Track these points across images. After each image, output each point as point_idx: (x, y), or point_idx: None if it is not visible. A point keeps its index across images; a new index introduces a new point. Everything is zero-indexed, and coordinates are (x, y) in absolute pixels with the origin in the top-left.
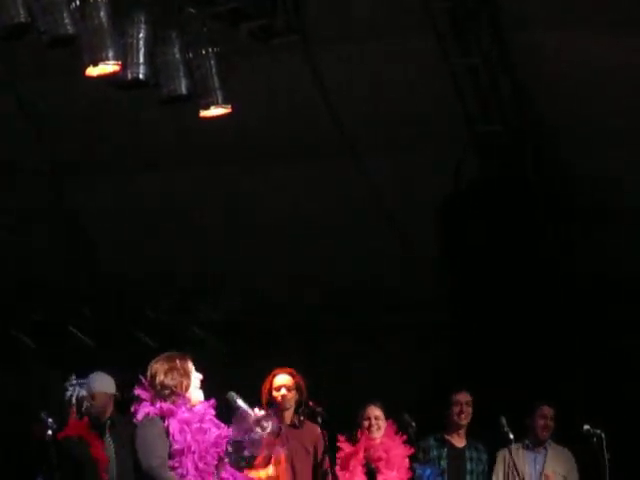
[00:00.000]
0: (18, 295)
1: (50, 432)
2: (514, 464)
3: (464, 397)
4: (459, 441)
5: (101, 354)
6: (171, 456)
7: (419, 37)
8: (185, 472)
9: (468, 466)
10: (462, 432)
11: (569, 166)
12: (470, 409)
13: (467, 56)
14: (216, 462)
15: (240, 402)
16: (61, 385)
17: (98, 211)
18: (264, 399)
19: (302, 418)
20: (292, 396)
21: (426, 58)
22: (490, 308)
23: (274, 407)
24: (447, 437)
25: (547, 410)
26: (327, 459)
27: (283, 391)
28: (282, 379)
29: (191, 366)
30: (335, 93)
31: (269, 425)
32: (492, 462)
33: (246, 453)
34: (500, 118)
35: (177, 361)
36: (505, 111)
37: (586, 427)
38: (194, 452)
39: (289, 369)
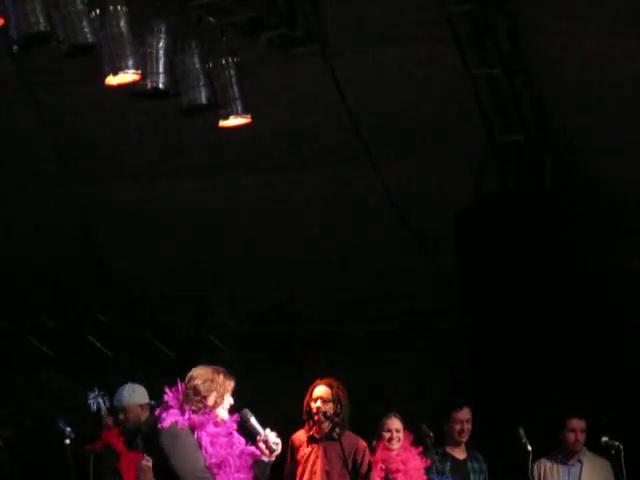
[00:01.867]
0: (33, 303)
1: (68, 441)
2: (545, 478)
3: (464, 415)
4: (460, 453)
5: (118, 363)
6: (209, 469)
7: (439, 45)
8: None
9: (472, 477)
10: (462, 444)
11: (590, 177)
12: (470, 426)
13: (486, 64)
14: (251, 476)
15: (253, 421)
16: (79, 394)
17: (114, 220)
18: (304, 411)
19: (338, 430)
20: (329, 408)
21: (446, 66)
22: (508, 318)
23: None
24: (448, 450)
25: (577, 423)
26: (370, 473)
27: (319, 403)
28: (320, 390)
29: (229, 387)
30: (355, 101)
31: (278, 448)
32: (512, 472)
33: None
34: (520, 128)
35: (220, 376)
36: (525, 121)
37: (604, 439)
38: (231, 465)
39: (329, 379)
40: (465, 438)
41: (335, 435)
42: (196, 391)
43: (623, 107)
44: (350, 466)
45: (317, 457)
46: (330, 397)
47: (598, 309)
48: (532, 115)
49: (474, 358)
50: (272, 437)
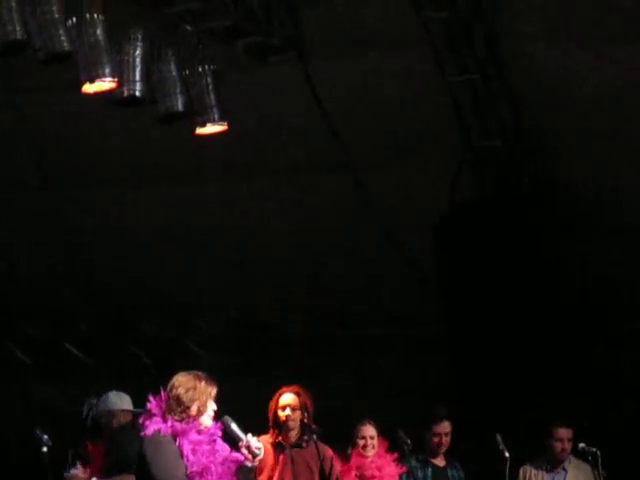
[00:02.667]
0: (16, 312)
1: (45, 449)
2: None
3: (444, 428)
4: (440, 461)
5: (97, 370)
6: (190, 478)
7: (416, 51)
8: None
9: None
10: (442, 451)
11: (567, 182)
12: (448, 438)
13: (463, 70)
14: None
15: (234, 427)
16: (58, 401)
17: (96, 227)
18: (270, 418)
19: (306, 437)
20: (297, 416)
21: (423, 73)
22: (487, 324)
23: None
24: (429, 457)
25: (564, 432)
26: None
27: (287, 411)
28: (287, 398)
29: (212, 393)
30: (332, 108)
31: (260, 453)
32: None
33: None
34: (498, 133)
35: (202, 383)
36: (503, 126)
37: (581, 445)
38: (212, 473)
39: (296, 387)
40: (443, 450)
41: (304, 443)
42: (179, 401)
43: (601, 110)
44: (317, 472)
45: (285, 464)
46: (297, 405)
47: (579, 311)
48: (510, 120)
49: (455, 364)
50: (254, 442)
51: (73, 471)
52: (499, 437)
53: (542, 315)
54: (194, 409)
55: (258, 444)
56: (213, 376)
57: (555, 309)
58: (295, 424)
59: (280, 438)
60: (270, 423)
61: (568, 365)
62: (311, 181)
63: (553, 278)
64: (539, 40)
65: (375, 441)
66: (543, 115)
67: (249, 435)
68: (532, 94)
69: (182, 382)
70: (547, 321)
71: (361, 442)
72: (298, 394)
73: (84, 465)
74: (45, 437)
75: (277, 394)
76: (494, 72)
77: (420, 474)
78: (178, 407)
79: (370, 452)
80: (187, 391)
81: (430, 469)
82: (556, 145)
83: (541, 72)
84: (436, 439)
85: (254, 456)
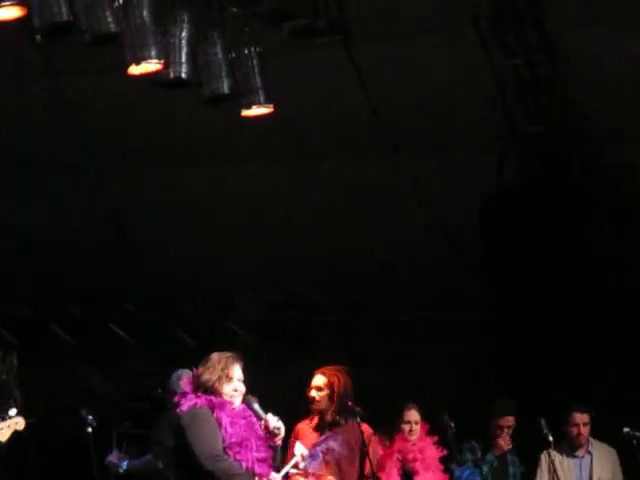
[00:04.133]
0: (62, 293)
1: (90, 429)
2: (555, 471)
3: (508, 422)
4: (502, 445)
5: (140, 351)
6: (229, 448)
7: (463, 36)
8: (249, 463)
9: (511, 469)
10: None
11: (612, 168)
12: (511, 430)
13: (511, 56)
14: (272, 455)
15: (256, 406)
16: (101, 382)
17: (142, 209)
18: (308, 400)
19: (339, 417)
20: (323, 396)
21: (470, 57)
22: (531, 308)
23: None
24: (488, 443)
25: (578, 417)
26: (371, 460)
27: (313, 392)
28: (316, 380)
29: (231, 373)
30: (378, 92)
31: (279, 433)
32: (533, 463)
33: (301, 466)
34: (543, 119)
35: (222, 362)
36: (548, 112)
37: (626, 430)
38: (251, 445)
39: (327, 368)
40: (505, 442)
41: (343, 422)
42: (200, 382)
43: None
44: (357, 450)
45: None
46: (324, 385)
47: (623, 299)
48: (556, 105)
49: (500, 349)
50: (273, 421)
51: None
52: (543, 421)
53: (586, 300)
54: (215, 387)
55: (277, 424)
56: (241, 356)
57: (599, 294)
58: (321, 405)
59: (317, 421)
60: (309, 407)
61: (612, 351)
62: (356, 165)
63: (599, 263)
64: (587, 25)
65: (419, 425)
66: (590, 101)
67: (269, 415)
68: (579, 80)
69: (205, 362)
70: (591, 306)
71: (406, 427)
72: (326, 374)
73: None
74: (90, 417)
75: (312, 376)
76: (541, 57)
77: (479, 455)
78: (202, 385)
79: (414, 436)
80: (207, 370)
81: (490, 453)
82: (603, 131)
83: (589, 58)
84: (498, 431)
85: (273, 435)
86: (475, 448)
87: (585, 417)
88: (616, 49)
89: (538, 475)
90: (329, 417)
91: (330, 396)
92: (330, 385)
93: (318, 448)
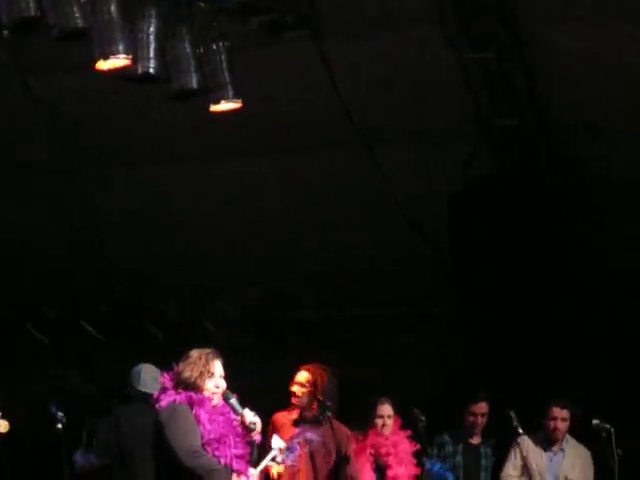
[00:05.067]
0: (34, 293)
1: (60, 425)
2: (526, 459)
3: (480, 409)
4: (475, 438)
5: (112, 347)
6: (207, 445)
7: (431, 30)
8: (227, 460)
9: (483, 462)
10: (478, 431)
11: (582, 162)
12: (485, 419)
13: (480, 49)
14: (249, 451)
15: (233, 401)
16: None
17: (113, 208)
18: (289, 394)
19: (320, 415)
20: (304, 392)
21: (438, 50)
22: (502, 303)
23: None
24: (464, 435)
25: (557, 411)
26: (350, 462)
27: (295, 387)
28: (298, 376)
29: (213, 369)
30: (346, 86)
31: (255, 427)
32: (503, 454)
33: (278, 459)
34: (513, 112)
35: (203, 358)
36: (518, 105)
37: (595, 422)
38: (229, 442)
39: (309, 365)
40: (478, 430)
41: (319, 419)
42: (181, 379)
43: (620, 91)
44: (333, 450)
45: None
46: (306, 381)
47: (593, 288)
48: (525, 98)
49: (470, 341)
50: (249, 416)
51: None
52: (512, 413)
53: (556, 292)
54: (197, 383)
55: (254, 419)
56: (219, 353)
57: (569, 286)
58: (302, 401)
59: (297, 415)
60: (289, 400)
61: (585, 343)
62: (325, 159)
63: (570, 256)
64: (557, 18)
65: (392, 420)
66: (560, 93)
67: (246, 410)
68: (548, 72)
69: (187, 358)
70: (560, 298)
71: (379, 421)
72: (309, 370)
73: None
74: (60, 414)
75: (295, 371)
76: (509, 50)
77: (450, 449)
78: (183, 382)
79: (387, 431)
80: (189, 366)
81: (462, 445)
82: (572, 123)
83: (559, 50)
84: (471, 418)
85: (250, 431)
86: (445, 442)
87: (564, 412)
88: (586, 42)
89: (510, 460)
90: (309, 414)
91: (312, 393)
92: (313, 382)
93: (295, 440)
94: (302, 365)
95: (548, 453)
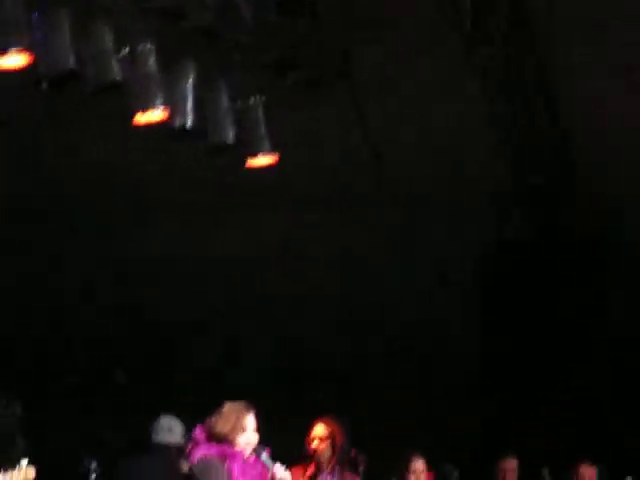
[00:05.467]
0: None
1: (94, 476)
2: None
3: (510, 464)
4: None
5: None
6: None
7: (465, 92)
8: None
9: None
10: None
11: (617, 221)
12: (515, 474)
13: (512, 105)
14: None
15: (264, 456)
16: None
17: (144, 259)
18: (305, 448)
19: (338, 468)
20: (325, 446)
21: (473, 112)
22: (533, 361)
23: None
24: None
25: (586, 470)
26: None
27: (316, 442)
28: (316, 430)
29: (245, 423)
30: (382, 143)
31: None
32: None
33: None
34: (544, 171)
35: (236, 413)
36: (549, 164)
37: (629, 478)
38: None
39: (327, 419)
40: None
41: (336, 473)
42: (215, 430)
43: None
44: None
45: None
46: (325, 435)
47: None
48: (556, 157)
49: (503, 402)
50: (280, 472)
51: None
52: (546, 471)
53: (589, 352)
54: (229, 438)
55: (284, 475)
56: (252, 406)
57: (602, 347)
58: (323, 455)
59: (312, 470)
60: (303, 454)
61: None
62: (359, 214)
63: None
64: (588, 76)
65: (424, 475)
66: (591, 151)
67: (276, 465)
68: (581, 131)
69: (220, 411)
70: (594, 357)
71: (412, 477)
72: (327, 424)
73: None
74: (94, 464)
75: (311, 426)
76: (541, 107)
77: None
78: (215, 435)
79: None
80: (221, 420)
81: None
82: (604, 182)
83: (590, 108)
84: (502, 474)
85: None
86: None
87: (593, 470)
88: (621, 99)
89: None
90: (329, 468)
91: (332, 446)
92: (332, 435)
93: None
94: (319, 418)
95: None
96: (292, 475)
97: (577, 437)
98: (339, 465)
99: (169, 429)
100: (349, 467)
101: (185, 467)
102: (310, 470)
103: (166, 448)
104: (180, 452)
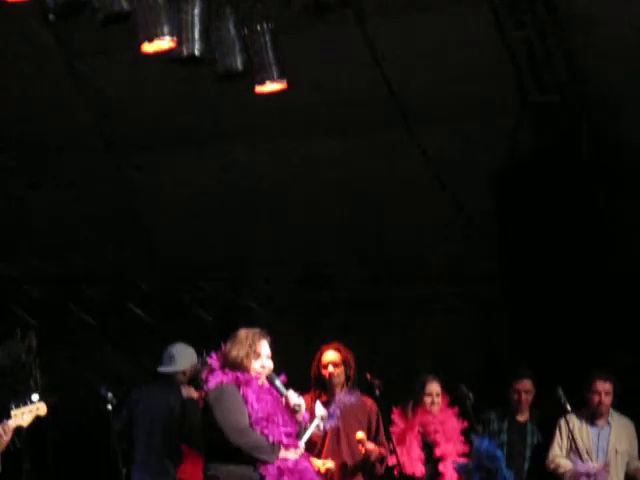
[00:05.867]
0: (79, 275)
1: (110, 407)
2: (573, 437)
3: (524, 386)
4: (521, 415)
5: (160, 329)
6: (256, 423)
7: (474, 8)
8: (276, 437)
9: (529, 439)
10: (524, 408)
11: (625, 139)
12: (530, 395)
13: (522, 27)
14: (295, 430)
15: (277, 383)
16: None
17: (155, 187)
18: (313, 376)
19: (353, 392)
20: (340, 372)
21: (481, 29)
22: (545, 279)
23: (323, 384)
24: (508, 411)
25: (601, 385)
26: (382, 432)
27: (330, 368)
28: (329, 356)
29: (259, 349)
30: (388, 65)
31: (300, 409)
32: (551, 431)
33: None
34: (555, 88)
35: (249, 339)
36: (559, 82)
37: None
38: (278, 420)
39: (336, 344)
40: (524, 407)
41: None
42: (228, 358)
43: None
44: (365, 426)
45: None
46: (340, 361)
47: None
48: (567, 76)
49: (515, 321)
50: (293, 398)
51: None
52: (560, 390)
53: (600, 270)
54: (244, 364)
55: (298, 401)
56: (266, 333)
57: (612, 264)
58: (339, 380)
59: (325, 398)
60: (312, 383)
61: (627, 321)
62: (369, 139)
63: (610, 232)
64: None
65: (440, 397)
66: (600, 69)
67: (290, 391)
68: (589, 48)
69: (234, 338)
70: (606, 277)
71: (428, 399)
72: (339, 350)
73: None
74: (110, 395)
75: (318, 352)
76: (551, 28)
77: (496, 426)
78: (230, 362)
79: (435, 409)
80: (235, 346)
81: (507, 423)
82: (614, 99)
83: (598, 28)
84: (516, 396)
85: (293, 412)
86: (491, 420)
87: (607, 386)
88: (628, 18)
89: (556, 439)
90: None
91: (346, 372)
92: (345, 361)
93: (334, 405)
94: (325, 345)
95: (595, 428)
96: (305, 401)
97: (590, 352)
98: (350, 390)
99: (170, 357)
100: (364, 391)
101: (193, 393)
102: (324, 396)
103: (167, 377)
104: (191, 378)
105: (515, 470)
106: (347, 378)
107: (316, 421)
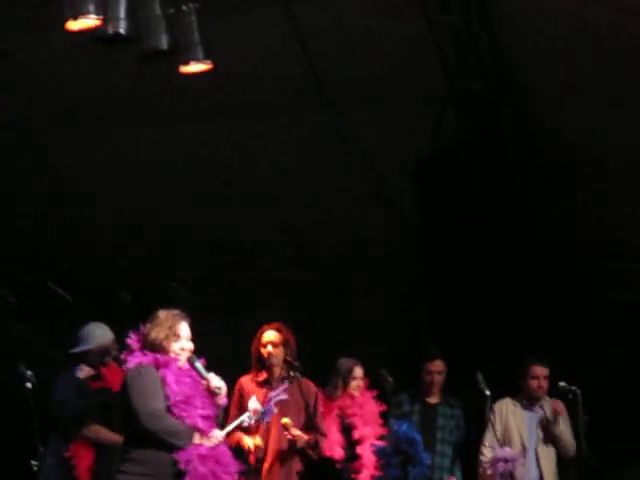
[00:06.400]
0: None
1: (29, 385)
2: (507, 423)
3: (436, 367)
4: (433, 398)
5: (78, 308)
6: (174, 406)
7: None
8: (192, 420)
9: (440, 421)
10: (436, 390)
11: (547, 124)
12: (442, 377)
13: (448, 11)
14: (214, 413)
15: (198, 365)
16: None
17: (79, 165)
18: (254, 356)
19: (292, 373)
20: (279, 352)
21: (406, 14)
22: (466, 265)
23: (263, 363)
24: (422, 395)
25: (539, 370)
26: (319, 415)
27: (269, 348)
28: (269, 335)
29: (181, 328)
30: (314, 47)
31: (220, 392)
32: (472, 416)
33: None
34: (480, 76)
35: (165, 318)
36: (484, 68)
37: (562, 384)
38: (197, 403)
39: (277, 324)
40: (435, 388)
41: (290, 379)
42: (148, 340)
43: (586, 56)
44: (303, 407)
45: None
46: (279, 341)
47: (559, 254)
48: (492, 63)
49: (435, 306)
50: (214, 381)
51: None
52: (479, 375)
53: (521, 257)
54: (163, 345)
55: (219, 384)
56: (186, 314)
57: (534, 250)
58: (278, 360)
59: (265, 376)
60: (253, 362)
61: (550, 308)
62: (292, 121)
63: (534, 220)
64: None
65: (362, 381)
66: (525, 57)
67: (211, 374)
68: (515, 36)
69: (153, 319)
70: (526, 263)
71: (354, 383)
72: (280, 330)
73: None
74: (29, 373)
75: (259, 332)
76: (477, 14)
77: (407, 408)
78: (149, 343)
79: (357, 392)
80: (155, 327)
81: (418, 405)
82: (538, 87)
83: (524, 16)
84: (428, 377)
85: (214, 395)
86: (403, 401)
87: (545, 370)
88: (555, 6)
89: (490, 428)
90: (281, 373)
91: (285, 352)
92: (285, 341)
93: (272, 402)
94: (267, 325)
95: (529, 413)
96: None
97: (516, 338)
98: (287, 372)
99: (79, 338)
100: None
101: (88, 373)
102: (262, 376)
103: (77, 356)
104: (103, 355)
105: None
106: (286, 361)
107: (243, 416)
